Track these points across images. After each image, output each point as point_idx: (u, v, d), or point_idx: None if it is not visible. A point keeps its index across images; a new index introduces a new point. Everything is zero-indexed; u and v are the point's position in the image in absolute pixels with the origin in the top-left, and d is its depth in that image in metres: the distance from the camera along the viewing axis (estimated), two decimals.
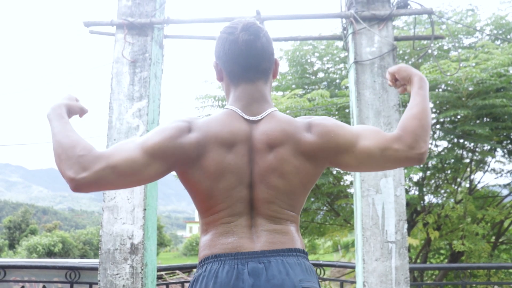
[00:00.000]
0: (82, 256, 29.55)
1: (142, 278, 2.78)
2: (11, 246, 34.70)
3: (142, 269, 2.79)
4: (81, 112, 1.36)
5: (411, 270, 6.20)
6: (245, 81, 1.29)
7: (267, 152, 1.21)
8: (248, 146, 1.22)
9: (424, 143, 1.25)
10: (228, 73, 1.31)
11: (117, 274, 2.79)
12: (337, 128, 1.25)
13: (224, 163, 1.19)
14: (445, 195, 6.68)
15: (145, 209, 2.85)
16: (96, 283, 2.89)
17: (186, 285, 3.77)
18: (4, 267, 3.54)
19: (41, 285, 3.65)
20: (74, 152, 1.11)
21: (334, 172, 6.79)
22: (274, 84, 7.14)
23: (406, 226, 2.84)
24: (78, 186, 1.10)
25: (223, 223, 1.20)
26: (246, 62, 1.27)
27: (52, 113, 1.24)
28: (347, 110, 6.13)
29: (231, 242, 1.18)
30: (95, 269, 3.07)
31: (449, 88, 5.63)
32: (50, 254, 26.89)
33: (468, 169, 6.82)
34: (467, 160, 6.61)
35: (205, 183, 1.20)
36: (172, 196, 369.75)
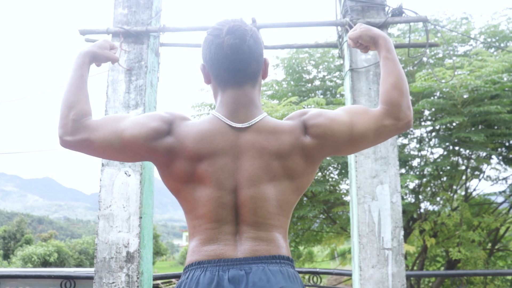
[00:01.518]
0: (78, 265, 29.32)
1: (138, 286, 2.76)
2: (6, 256, 34.38)
3: (138, 278, 2.77)
4: (109, 60, 1.41)
5: (408, 278, 6.19)
6: (232, 85, 1.27)
7: (257, 159, 1.20)
8: (233, 153, 1.21)
9: (409, 110, 1.30)
10: (215, 77, 1.29)
11: (113, 282, 2.77)
12: (331, 124, 1.25)
13: (195, 172, 1.20)
14: (441, 202, 6.69)
15: (141, 217, 2.84)
16: None
17: None
18: None
19: None
20: (69, 114, 1.24)
21: (331, 180, 6.79)
22: (270, 92, 7.16)
23: (402, 233, 2.84)
24: (62, 144, 1.25)
25: (207, 229, 1.20)
26: (233, 67, 1.24)
27: (75, 60, 1.33)
28: None
29: (214, 250, 1.18)
30: (90, 278, 3.05)
31: (444, 96, 5.66)
32: (45, 264, 26.66)
33: (464, 177, 6.83)
34: (463, 167, 6.63)
35: (179, 187, 1.23)
36: (169, 204, 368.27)
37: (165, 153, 1.21)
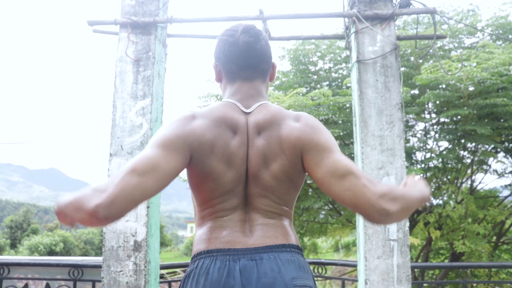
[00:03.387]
0: (83, 255, 29.61)
1: (145, 275, 2.80)
2: (13, 246, 34.76)
3: (145, 266, 2.81)
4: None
5: (412, 269, 6.20)
6: (242, 79, 1.31)
7: (257, 139, 1.23)
8: (246, 136, 1.24)
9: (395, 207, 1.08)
10: (227, 72, 1.33)
11: (121, 271, 2.81)
12: (323, 131, 1.22)
13: (230, 149, 1.20)
14: (446, 195, 6.69)
15: (148, 207, 2.87)
16: (99, 281, 2.91)
17: None
18: (8, 265, 3.56)
19: (44, 282, 3.67)
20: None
21: None
22: (277, 82, 7.16)
23: (407, 224, 2.85)
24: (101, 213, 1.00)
25: (218, 217, 1.21)
26: (246, 62, 1.30)
27: None
28: (349, 110, 6.15)
29: (224, 237, 1.18)
30: (98, 266, 3.09)
31: (449, 88, 5.63)
32: (51, 253, 26.96)
33: (469, 170, 6.82)
34: (469, 161, 6.62)
35: (215, 170, 1.19)
36: (173, 196, 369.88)
37: (202, 132, 1.19)
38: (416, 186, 1.18)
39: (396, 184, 2.87)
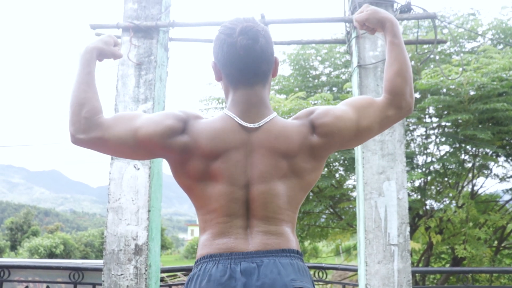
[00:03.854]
0: (84, 257, 29.59)
1: (146, 279, 2.80)
2: (13, 248, 34.74)
3: (146, 270, 2.81)
4: (114, 57, 1.39)
5: (413, 274, 6.19)
6: (243, 85, 1.29)
7: (267, 157, 1.23)
8: (245, 151, 1.24)
9: (411, 98, 1.32)
10: (227, 75, 1.31)
11: (121, 274, 2.81)
12: (338, 122, 1.28)
13: (208, 169, 1.23)
14: (447, 199, 6.68)
15: (149, 211, 2.88)
16: (99, 284, 2.92)
17: None
18: (8, 267, 3.57)
19: (44, 285, 3.68)
20: (80, 111, 1.22)
21: (337, 176, 6.81)
22: (277, 87, 7.17)
23: (408, 229, 2.85)
24: (75, 142, 1.23)
25: (219, 223, 1.23)
26: (245, 67, 1.27)
27: (82, 56, 1.30)
28: None
29: (226, 243, 1.21)
30: (98, 270, 3.10)
31: (450, 93, 5.64)
32: (51, 255, 26.93)
33: (470, 174, 6.81)
34: (469, 165, 6.61)
35: (192, 184, 1.25)
36: (174, 199, 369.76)
37: (179, 151, 1.23)
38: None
39: (396, 189, 2.87)
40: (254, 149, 1.24)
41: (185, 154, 1.23)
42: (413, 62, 6.39)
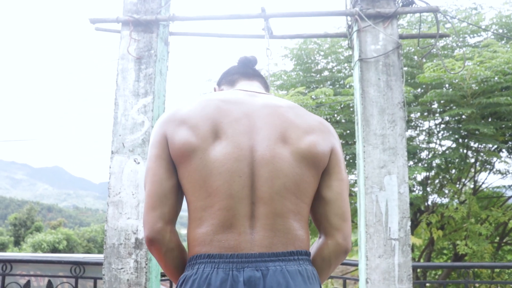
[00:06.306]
0: (86, 253, 29.72)
1: (146, 272, 2.80)
2: (16, 243, 34.91)
3: (146, 264, 2.81)
4: None
5: (414, 269, 6.20)
6: (243, 77, 1.42)
7: (271, 121, 1.19)
8: (250, 116, 1.20)
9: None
10: (227, 81, 1.46)
11: (122, 268, 2.81)
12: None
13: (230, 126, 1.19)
14: (449, 195, 6.66)
15: None
16: (101, 278, 2.92)
17: None
18: (11, 261, 3.58)
19: (46, 279, 3.68)
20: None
21: None
22: (279, 82, 7.16)
23: (409, 223, 2.84)
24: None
25: (221, 209, 1.11)
26: (247, 70, 1.46)
27: None
28: (351, 109, 6.14)
29: (228, 240, 1.10)
30: (99, 264, 3.10)
31: (453, 87, 5.61)
32: (54, 251, 27.06)
33: (473, 170, 6.79)
34: (472, 160, 6.58)
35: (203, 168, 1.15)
36: None
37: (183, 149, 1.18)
38: None
39: (397, 184, 2.86)
40: (258, 113, 1.22)
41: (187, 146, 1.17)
42: (415, 57, 6.37)
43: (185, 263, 1.22)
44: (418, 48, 4.13)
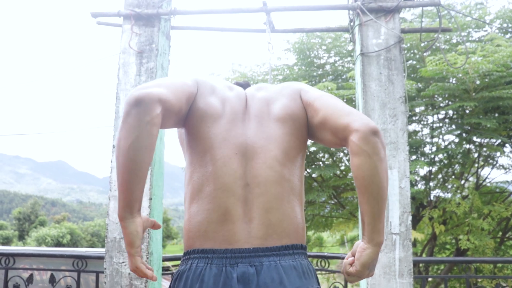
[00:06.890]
0: (90, 247, 29.90)
1: None
2: (21, 237, 35.15)
3: (147, 258, 2.82)
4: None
5: (416, 264, 6.20)
6: None
7: (260, 98, 1.29)
8: (243, 100, 1.30)
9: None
10: None
11: (123, 262, 2.83)
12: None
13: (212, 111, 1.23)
14: (451, 190, 6.65)
15: (150, 199, 2.88)
16: (103, 272, 2.93)
17: None
18: (13, 255, 3.60)
19: (49, 273, 3.71)
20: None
21: (342, 167, 6.79)
22: (281, 77, 7.14)
23: (410, 218, 2.84)
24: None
25: (216, 190, 1.11)
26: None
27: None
28: (354, 103, 6.12)
29: (220, 231, 1.08)
30: (102, 258, 3.12)
31: (455, 81, 5.59)
32: (58, 245, 27.24)
33: (476, 164, 6.77)
34: (475, 155, 6.56)
35: (197, 127, 1.20)
36: (180, 189, 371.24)
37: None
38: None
39: (398, 178, 2.86)
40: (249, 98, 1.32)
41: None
42: (417, 51, 6.34)
43: (148, 166, 1.11)
44: (420, 42, 4.10)
